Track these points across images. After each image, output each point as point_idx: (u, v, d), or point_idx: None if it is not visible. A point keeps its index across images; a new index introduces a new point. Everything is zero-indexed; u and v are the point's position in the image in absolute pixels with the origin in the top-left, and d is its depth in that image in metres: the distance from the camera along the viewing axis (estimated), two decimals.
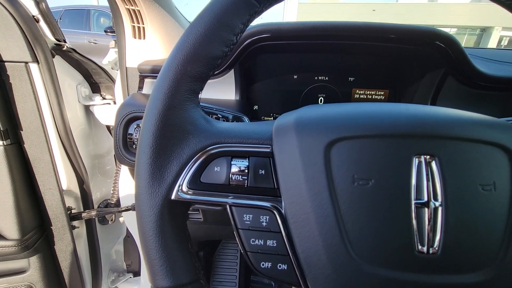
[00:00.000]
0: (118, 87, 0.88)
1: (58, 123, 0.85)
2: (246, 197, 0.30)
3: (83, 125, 1.01)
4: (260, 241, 0.29)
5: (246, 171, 0.30)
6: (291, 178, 0.28)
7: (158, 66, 0.73)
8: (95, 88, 1.02)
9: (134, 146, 0.68)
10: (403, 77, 0.72)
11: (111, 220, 1.19)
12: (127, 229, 1.31)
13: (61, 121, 0.85)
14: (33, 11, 0.76)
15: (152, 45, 0.76)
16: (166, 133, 0.29)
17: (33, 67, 0.76)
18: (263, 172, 0.30)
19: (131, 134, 0.67)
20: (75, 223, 1.01)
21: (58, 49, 0.84)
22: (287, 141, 0.28)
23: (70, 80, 0.92)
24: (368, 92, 0.78)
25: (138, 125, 0.67)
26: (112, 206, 1.17)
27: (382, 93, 0.78)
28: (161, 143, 0.29)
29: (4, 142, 0.76)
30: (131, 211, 1.07)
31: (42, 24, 0.78)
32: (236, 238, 0.29)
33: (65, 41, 0.84)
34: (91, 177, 1.08)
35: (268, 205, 0.29)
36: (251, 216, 0.29)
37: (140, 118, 0.66)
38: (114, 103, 1.06)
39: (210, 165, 0.31)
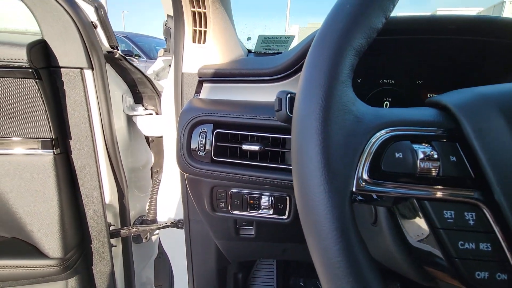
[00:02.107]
0: (166, 96, 0.85)
1: (106, 133, 0.81)
2: (441, 189, 0.25)
3: (125, 136, 0.97)
4: (470, 244, 0.23)
5: (436, 157, 0.25)
6: (509, 163, 0.23)
7: (221, 70, 0.70)
8: (137, 98, 0.99)
9: (198, 152, 0.63)
10: (483, 76, 0.68)
11: (145, 238, 1.12)
12: (158, 248, 1.23)
13: (109, 131, 0.81)
14: (92, 17, 0.74)
15: (211, 50, 0.74)
16: (335, 113, 0.25)
17: (88, 73, 0.74)
18: (454, 158, 0.25)
19: (196, 141, 0.63)
20: (113, 241, 0.94)
21: (110, 57, 0.82)
22: (493, 120, 0.24)
23: (116, 89, 0.90)
24: None
25: (204, 130, 0.62)
26: (148, 223, 1.10)
27: None
28: (330, 124, 0.25)
29: (54, 151, 0.72)
30: (170, 228, 1.00)
31: (99, 30, 0.76)
32: (435, 242, 0.24)
33: (117, 48, 0.82)
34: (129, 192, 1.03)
35: (474, 198, 0.24)
36: (452, 212, 0.24)
37: (206, 122, 0.62)
38: (156, 113, 1.03)
39: (388, 151, 0.26)
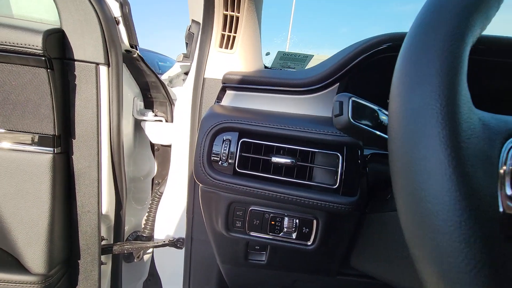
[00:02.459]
0: (181, 103, 0.80)
1: (113, 135, 0.74)
2: None
3: (130, 142, 0.90)
4: None
5: None
6: None
7: (248, 77, 0.66)
8: (148, 103, 0.94)
9: (220, 162, 0.57)
10: None
11: (138, 257, 1.01)
12: (149, 269, 1.11)
13: (117, 133, 0.74)
14: (116, 12, 0.71)
15: (238, 57, 0.70)
16: (462, 111, 0.20)
17: (103, 70, 0.68)
18: None
19: (218, 150, 0.57)
20: (103, 258, 0.83)
21: (127, 56, 0.77)
22: None
23: (129, 91, 0.84)
24: None
25: (227, 139, 0.57)
26: (143, 240, 1.00)
27: None
28: (458, 126, 0.19)
29: (55, 149, 0.64)
30: (167, 247, 0.90)
31: (121, 27, 0.73)
32: None
33: (137, 48, 0.78)
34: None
35: None
36: None
37: (231, 130, 0.57)
38: (166, 121, 0.97)
39: None
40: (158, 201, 0.98)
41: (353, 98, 0.34)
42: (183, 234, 0.89)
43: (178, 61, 0.88)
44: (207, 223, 0.68)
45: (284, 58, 1.04)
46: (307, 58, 1.05)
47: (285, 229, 0.59)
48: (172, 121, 0.96)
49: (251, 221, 0.60)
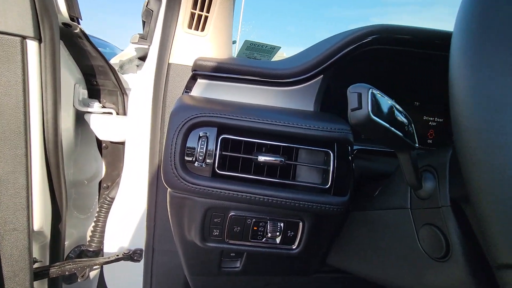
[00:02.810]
0: (137, 92, 0.67)
1: (48, 131, 0.58)
2: None
3: (70, 138, 0.74)
4: None
5: None
6: None
7: (225, 65, 0.58)
8: (93, 92, 0.78)
9: (196, 163, 0.48)
10: None
11: (82, 276, 0.85)
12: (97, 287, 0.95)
13: (53, 128, 0.59)
14: None
15: (210, 40, 0.61)
16: None
17: (32, 46, 0.53)
18: None
19: (192, 149, 0.48)
20: (37, 284, 0.67)
21: (66, 31, 0.61)
22: None
23: (67, 75, 0.68)
24: (433, 120, 0.75)
25: (204, 135, 0.48)
26: (89, 255, 0.84)
27: (436, 122, 0.77)
28: None
29: None
30: (122, 261, 0.77)
31: None
32: None
33: (79, 22, 0.63)
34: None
35: None
36: None
37: (208, 124, 0.49)
38: (117, 113, 0.82)
39: None
40: (108, 208, 0.83)
41: (373, 90, 0.30)
42: (141, 245, 0.77)
43: (133, 43, 0.74)
44: (176, 232, 0.58)
45: (251, 48, 0.97)
46: (274, 49, 1.00)
47: (269, 234, 0.54)
48: (125, 114, 0.82)
49: (231, 229, 0.52)
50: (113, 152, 0.84)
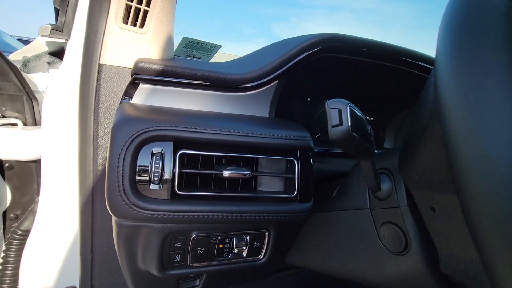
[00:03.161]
0: (53, 99, 0.54)
1: None
2: None
3: None
4: None
5: None
6: None
7: (173, 68, 0.51)
8: None
9: (150, 185, 0.41)
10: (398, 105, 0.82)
11: None
12: None
13: None
14: None
15: (152, 39, 0.53)
16: None
17: None
18: None
19: (145, 168, 0.41)
20: None
21: None
22: None
23: None
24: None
25: (158, 152, 0.42)
26: None
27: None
28: None
29: None
30: None
31: None
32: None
33: None
34: None
35: None
36: None
37: (162, 139, 0.42)
38: (25, 124, 0.65)
39: None
40: (21, 243, 0.66)
41: (350, 105, 0.30)
42: (73, 282, 0.64)
43: (42, 35, 0.59)
44: (125, 264, 0.50)
45: (190, 45, 0.90)
46: (214, 48, 0.95)
47: (235, 250, 0.51)
48: (35, 124, 0.66)
49: (194, 251, 0.48)
50: (21, 174, 0.66)
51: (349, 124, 0.29)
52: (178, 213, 0.42)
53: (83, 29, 0.52)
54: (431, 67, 0.65)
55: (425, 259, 0.38)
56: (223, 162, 0.48)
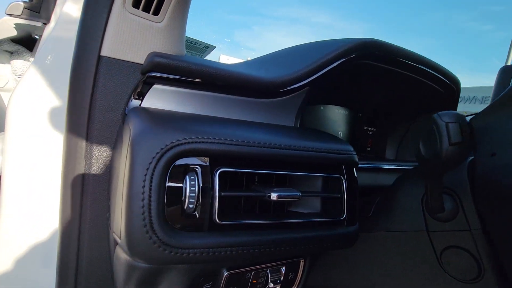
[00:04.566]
0: (26, 98, 0.42)
1: None
2: None
3: None
4: None
5: None
6: None
7: (200, 66, 0.42)
8: None
9: (182, 214, 0.32)
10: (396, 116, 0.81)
11: None
12: None
13: None
14: None
15: (168, 30, 0.43)
16: None
17: None
18: None
19: (177, 191, 0.32)
20: None
21: None
22: None
23: None
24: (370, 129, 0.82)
25: (193, 169, 0.33)
26: None
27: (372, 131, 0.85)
28: None
29: None
30: None
31: None
32: None
33: None
34: None
35: None
36: None
37: (198, 153, 0.33)
38: None
39: None
40: None
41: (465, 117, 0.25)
42: None
43: (10, 15, 0.45)
44: None
45: None
46: (208, 48, 0.86)
47: (270, 285, 0.43)
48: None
49: None
50: None
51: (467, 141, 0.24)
52: (219, 249, 0.33)
53: (75, 10, 0.40)
54: (450, 83, 0.64)
55: (501, 286, 0.35)
56: (255, 180, 0.40)
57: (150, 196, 0.30)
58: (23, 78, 0.43)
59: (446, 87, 0.67)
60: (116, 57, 0.41)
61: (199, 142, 0.32)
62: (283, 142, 0.38)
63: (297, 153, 0.39)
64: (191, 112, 0.44)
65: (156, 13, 0.42)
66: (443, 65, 0.62)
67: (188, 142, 0.32)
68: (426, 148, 0.30)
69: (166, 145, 0.31)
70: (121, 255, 0.34)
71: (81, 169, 0.41)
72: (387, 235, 0.46)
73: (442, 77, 0.62)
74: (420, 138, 0.33)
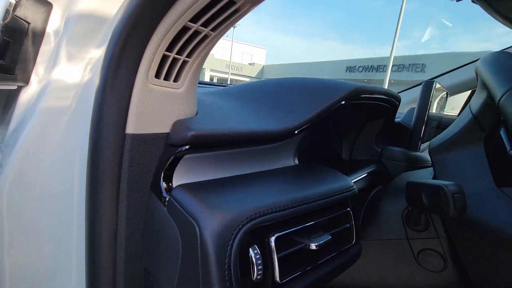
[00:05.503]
0: None
1: None
2: None
3: None
4: None
5: None
6: None
7: (227, 132, 0.42)
8: None
9: (260, 280, 0.36)
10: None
11: None
12: None
13: None
14: None
15: (187, 95, 0.41)
16: None
17: None
18: None
19: (246, 266, 0.36)
20: None
21: None
22: None
23: None
24: None
25: (255, 240, 0.37)
26: None
27: None
28: None
29: None
30: None
31: None
32: None
33: None
34: None
35: None
36: None
37: (264, 223, 0.37)
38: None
39: None
40: None
41: None
42: None
43: None
44: None
45: None
46: None
47: None
48: None
49: None
50: None
51: None
52: None
53: (73, 74, 0.36)
54: (395, 101, 0.80)
55: (459, 273, 0.51)
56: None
57: (230, 269, 0.33)
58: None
59: (392, 104, 0.83)
60: (140, 133, 0.38)
61: (263, 215, 0.36)
62: (308, 195, 0.45)
63: (321, 202, 0.46)
64: (216, 176, 0.45)
65: (176, 80, 0.40)
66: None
67: (254, 218, 0.35)
68: (431, 203, 0.43)
69: (240, 222, 0.34)
70: None
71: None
72: (376, 243, 0.59)
73: (393, 99, 0.77)
74: (422, 189, 0.45)
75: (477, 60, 1.13)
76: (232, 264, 0.33)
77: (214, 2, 0.32)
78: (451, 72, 1.33)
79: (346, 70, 21.06)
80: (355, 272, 0.65)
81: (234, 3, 0.34)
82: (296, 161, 0.61)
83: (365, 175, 0.73)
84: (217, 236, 0.33)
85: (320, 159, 0.74)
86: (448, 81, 1.31)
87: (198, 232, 0.33)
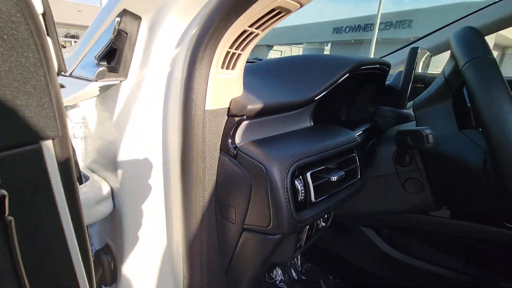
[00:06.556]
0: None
1: None
2: None
3: None
4: None
5: None
6: None
7: (270, 104, 0.59)
8: None
9: (299, 201, 0.55)
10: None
11: None
12: None
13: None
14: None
15: (238, 78, 0.57)
16: None
17: None
18: None
19: (295, 189, 0.55)
20: None
21: None
22: None
23: None
24: None
25: (298, 174, 0.56)
26: None
27: None
28: None
29: None
30: None
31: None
32: None
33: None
34: None
35: None
36: None
37: (305, 164, 0.56)
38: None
39: None
40: None
41: None
42: None
43: (96, 80, 0.51)
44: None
45: None
46: None
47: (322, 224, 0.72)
48: None
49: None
50: None
51: None
52: (318, 215, 0.58)
53: (161, 67, 0.52)
54: (386, 68, 0.97)
55: (432, 195, 0.73)
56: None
57: (288, 194, 0.52)
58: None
59: (383, 71, 0.99)
60: (214, 108, 0.54)
61: (302, 159, 0.54)
62: (328, 144, 0.63)
63: (336, 149, 0.64)
64: (263, 136, 0.63)
65: (233, 68, 0.55)
66: None
67: (302, 158, 0.54)
68: (413, 142, 0.62)
69: (290, 162, 0.52)
70: (251, 236, 0.56)
71: (198, 197, 0.57)
72: (373, 179, 0.80)
73: (384, 66, 0.94)
74: (407, 134, 0.64)
75: (454, 22, 1.28)
76: (288, 188, 0.52)
77: (270, 11, 0.47)
78: (433, 34, 1.47)
79: (333, 32, 20.60)
80: (357, 202, 0.86)
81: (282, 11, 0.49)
82: (312, 123, 0.78)
83: (361, 132, 0.92)
84: (278, 172, 0.51)
85: (326, 121, 0.92)
86: (432, 42, 1.46)
87: (265, 170, 0.51)
